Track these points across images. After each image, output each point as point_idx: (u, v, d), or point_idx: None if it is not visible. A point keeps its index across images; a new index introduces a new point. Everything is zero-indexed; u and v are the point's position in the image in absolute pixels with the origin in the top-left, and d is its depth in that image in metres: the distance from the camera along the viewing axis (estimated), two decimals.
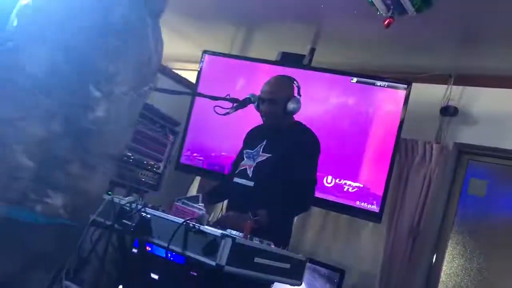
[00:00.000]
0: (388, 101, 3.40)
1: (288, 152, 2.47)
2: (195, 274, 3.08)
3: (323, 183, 3.38)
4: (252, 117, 3.11)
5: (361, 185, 3.34)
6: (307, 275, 3.10)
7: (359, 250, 3.59)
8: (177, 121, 3.45)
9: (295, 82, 2.62)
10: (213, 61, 3.95)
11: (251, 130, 2.79)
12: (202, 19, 3.95)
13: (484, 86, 3.46)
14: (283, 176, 2.44)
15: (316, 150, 2.56)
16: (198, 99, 3.87)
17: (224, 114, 2.45)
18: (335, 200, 3.38)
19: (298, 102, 2.55)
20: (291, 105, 2.52)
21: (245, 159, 2.59)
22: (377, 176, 3.31)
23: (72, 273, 2.63)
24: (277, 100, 2.52)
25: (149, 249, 3.29)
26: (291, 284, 2.13)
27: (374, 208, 3.27)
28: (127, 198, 2.11)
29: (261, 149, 2.55)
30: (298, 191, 2.44)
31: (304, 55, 3.71)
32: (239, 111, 2.50)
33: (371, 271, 3.46)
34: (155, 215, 1.94)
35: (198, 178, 4.22)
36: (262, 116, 2.60)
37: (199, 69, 3.94)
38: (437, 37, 3.18)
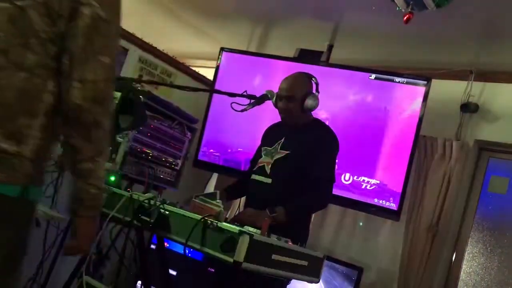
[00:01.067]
0: (407, 97, 3.36)
1: (306, 149, 2.46)
2: (213, 270, 3.10)
3: (341, 181, 3.37)
4: (269, 114, 3.12)
5: (380, 183, 3.32)
6: (325, 272, 3.09)
7: (377, 248, 3.57)
8: (194, 118, 3.46)
9: (313, 79, 2.61)
10: (230, 58, 3.95)
11: (270, 128, 2.79)
12: (220, 17, 3.97)
13: (505, 82, 3.40)
14: (301, 173, 2.44)
15: (335, 148, 2.55)
16: (215, 96, 3.88)
17: (241, 111, 2.45)
18: (353, 198, 3.36)
19: (316, 99, 2.53)
20: (309, 102, 2.51)
21: (263, 156, 2.59)
22: (396, 174, 3.28)
23: (91, 268, 2.66)
24: (295, 97, 2.51)
25: (168, 245, 3.33)
26: (309, 282, 2.13)
27: (393, 206, 3.25)
28: (145, 194, 2.12)
29: (280, 146, 2.54)
30: (316, 189, 2.44)
31: (322, 52, 3.69)
32: (256, 108, 2.50)
33: (389, 269, 3.44)
34: (173, 212, 1.95)
35: (216, 175, 4.24)
36: (280, 113, 2.60)
37: (216, 66, 3.95)
38: (457, 32, 3.13)
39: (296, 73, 2.65)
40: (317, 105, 2.54)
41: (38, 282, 2.63)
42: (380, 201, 3.29)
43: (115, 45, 1.41)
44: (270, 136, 2.69)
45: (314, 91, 2.58)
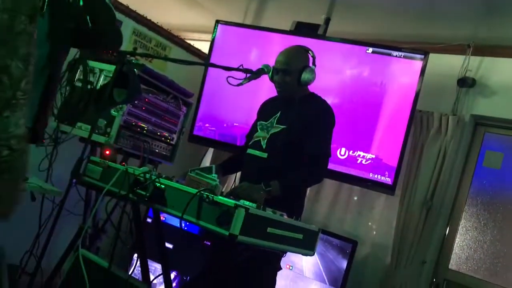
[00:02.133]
0: (404, 71, 3.34)
1: (302, 123, 2.45)
2: (209, 243, 3.12)
3: (337, 155, 3.37)
4: (265, 88, 3.10)
5: (375, 157, 3.32)
6: (319, 245, 3.12)
7: (372, 222, 3.60)
8: (190, 92, 3.44)
9: (310, 52, 2.58)
10: (226, 31, 3.90)
11: (265, 102, 2.77)
12: None
13: (503, 56, 3.38)
14: (297, 147, 2.43)
15: (331, 122, 2.54)
16: (211, 70, 3.84)
17: (237, 85, 2.42)
18: (349, 172, 3.37)
19: (312, 72, 2.51)
20: (305, 76, 2.49)
21: (259, 131, 2.58)
22: (392, 148, 3.29)
23: (88, 242, 2.68)
24: (291, 71, 2.49)
25: (164, 219, 3.34)
26: (304, 254, 2.15)
27: (388, 180, 3.26)
28: (141, 168, 2.12)
29: (275, 121, 2.53)
30: (312, 163, 2.44)
31: (319, 25, 3.64)
32: (252, 82, 2.48)
33: (383, 243, 3.48)
34: (169, 185, 1.95)
35: (211, 149, 4.23)
36: (276, 87, 2.58)
37: (212, 39, 3.90)
38: (456, 6, 3.09)
39: (293, 46, 2.62)
40: (313, 78, 2.52)
41: (35, 255, 2.64)
42: (376, 176, 3.30)
43: None
44: (266, 110, 2.67)
45: (311, 64, 2.55)
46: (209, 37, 3.97)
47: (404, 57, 3.35)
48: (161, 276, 2.46)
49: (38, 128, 1.92)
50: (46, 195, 2.69)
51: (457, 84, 3.42)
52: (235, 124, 3.74)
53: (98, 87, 2.80)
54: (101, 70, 2.86)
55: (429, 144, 3.37)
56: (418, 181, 3.34)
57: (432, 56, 3.27)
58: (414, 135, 3.44)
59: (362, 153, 3.36)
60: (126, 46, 3.64)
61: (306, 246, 2.09)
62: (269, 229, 1.83)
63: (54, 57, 1.92)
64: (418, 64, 3.28)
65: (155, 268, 3.14)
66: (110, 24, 2.15)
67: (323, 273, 3.19)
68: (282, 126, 2.50)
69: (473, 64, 3.41)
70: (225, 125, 3.79)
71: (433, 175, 3.30)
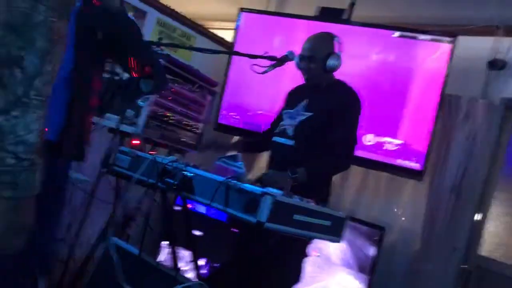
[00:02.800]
0: (432, 55, 3.27)
1: (329, 111, 2.44)
2: (236, 231, 3.15)
3: (364, 142, 3.34)
4: (290, 76, 3.08)
5: (403, 143, 3.28)
6: (347, 232, 3.11)
7: (400, 208, 3.57)
8: (214, 81, 3.45)
9: (336, 38, 2.56)
10: (250, 19, 3.89)
11: (292, 90, 2.77)
12: None
13: None
14: (324, 135, 2.43)
15: (358, 109, 2.51)
16: (235, 58, 3.84)
17: (262, 73, 2.42)
18: (376, 159, 3.34)
19: (338, 58, 2.49)
20: (331, 62, 2.47)
21: (285, 119, 2.58)
22: (420, 134, 3.24)
23: (119, 230, 2.74)
24: (317, 57, 2.48)
25: (191, 206, 3.38)
26: (331, 241, 2.14)
27: (417, 166, 3.22)
28: (169, 157, 2.15)
29: (302, 108, 2.53)
30: (338, 150, 2.43)
31: (343, 10, 3.60)
32: (277, 69, 2.47)
33: (412, 229, 3.44)
34: (196, 174, 1.97)
35: (236, 138, 4.24)
36: (303, 74, 2.57)
37: (235, 28, 3.89)
38: None
39: (319, 33, 2.61)
40: (339, 65, 2.50)
41: (67, 244, 2.72)
42: (404, 161, 3.26)
43: None
44: (293, 98, 2.67)
45: (337, 51, 2.53)
46: (233, 25, 3.97)
47: (432, 40, 3.28)
48: (191, 262, 2.49)
49: (65, 144, 1.77)
50: (77, 184, 2.75)
51: (486, 66, 3.33)
52: (259, 112, 3.74)
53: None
54: None
55: (458, 129, 3.30)
56: (446, 167, 3.29)
57: (460, 39, 3.19)
58: (443, 119, 3.37)
59: (389, 139, 3.32)
60: (151, 36, 3.67)
61: (334, 233, 2.09)
62: (296, 216, 1.83)
63: (82, 66, 1.82)
64: (446, 47, 3.21)
65: (184, 255, 3.19)
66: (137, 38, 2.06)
67: (351, 260, 3.18)
68: (309, 113, 2.49)
69: (504, 46, 3.31)
70: (249, 113, 3.79)
71: (462, 160, 3.24)
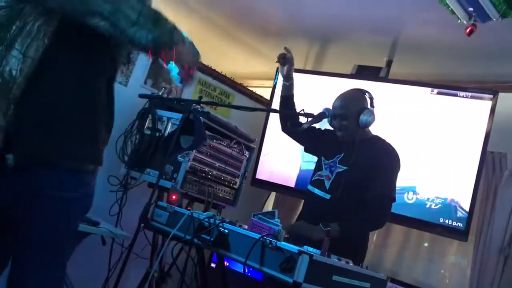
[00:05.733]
0: (473, 112, 3.22)
1: (365, 166, 2.42)
2: None
3: (405, 199, 3.26)
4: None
5: (445, 201, 3.18)
6: None
7: (444, 270, 3.41)
8: (252, 138, 3.50)
9: (367, 93, 2.56)
10: None
11: (329, 131, 2.70)
12: (276, 36, 4.00)
13: None
14: (360, 190, 2.39)
15: (396, 166, 2.48)
16: (272, 115, 3.89)
17: (300, 129, 2.44)
18: (417, 217, 3.24)
19: (371, 114, 2.48)
20: (363, 118, 2.47)
21: (324, 169, 2.56)
22: (463, 192, 3.13)
23: (154, 286, 2.72)
24: (348, 115, 2.49)
25: (227, 264, 3.34)
26: None
27: (460, 225, 3.09)
28: (205, 213, 2.15)
29: (339, 161, 2.51)
30: (374, 207, 2.38)
31: (381, 68, 3.63)
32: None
33: None
34: (232, 230, 1.96)
35: (273, 193, 4.24)
36: (336, 132, 2.57)
37: (273, 86, 3.98)
38: None
39: (349, 90, 2.63)
40: (373, 120, 2.49)
41: None
42: (446, 221, 3.14)
43: None
44: (330, 145, 2.63)
45: (368, 106, 2.53)
46: (271, 83, 4.06)
47: (472, 97, 3.24)
48: None
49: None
50: (116, 239, 2.78)
51: None
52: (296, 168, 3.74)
53: (165, 134, 2.93)
54: (168, 118, 2.99)
55: (504, 187, 3.18)
56: (493, 226, 3.15)
57: (501, 96, 3.14)
58: (487, 177, 3.27)
59: (431, 197, 3.23)
60: (192, 95, 3.80)
61: None
62: (334, 277, 1.78)
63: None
64: (487, 104, 3.16)
65: None
66: None
67: None
68: (345, 167, 2.47)
69: None
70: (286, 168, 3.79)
71: (510, 219, 3.09)
